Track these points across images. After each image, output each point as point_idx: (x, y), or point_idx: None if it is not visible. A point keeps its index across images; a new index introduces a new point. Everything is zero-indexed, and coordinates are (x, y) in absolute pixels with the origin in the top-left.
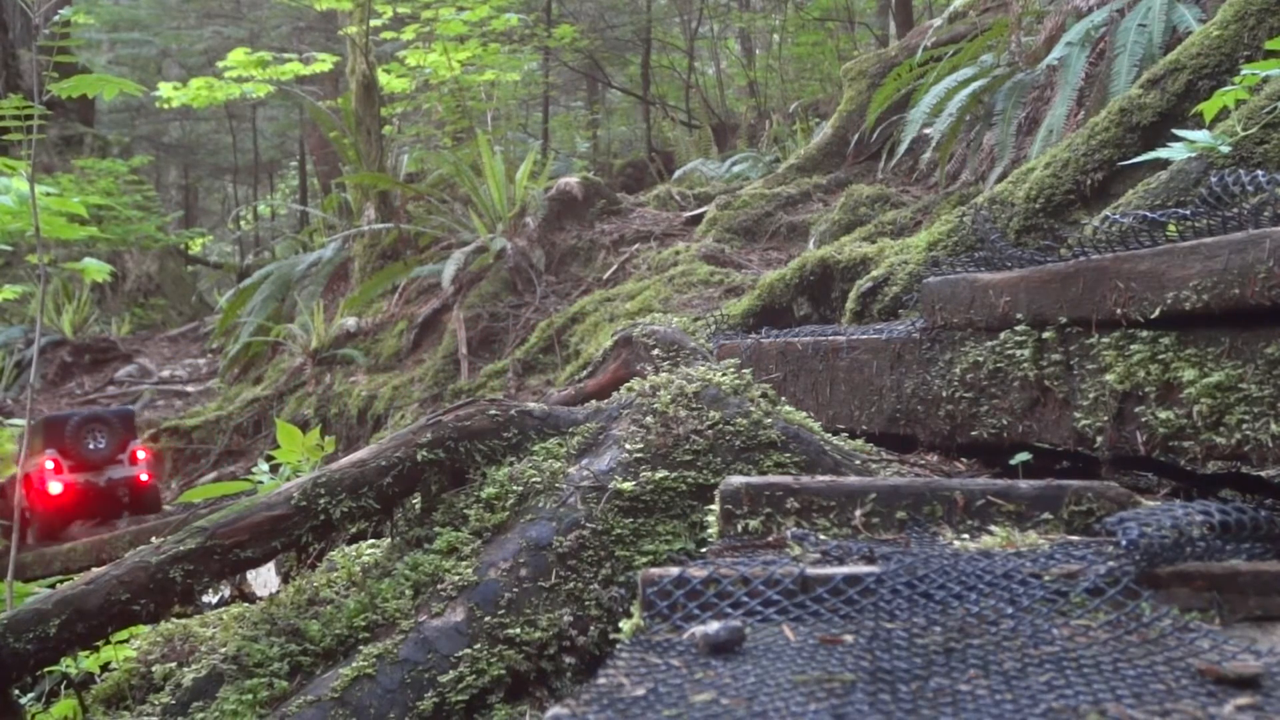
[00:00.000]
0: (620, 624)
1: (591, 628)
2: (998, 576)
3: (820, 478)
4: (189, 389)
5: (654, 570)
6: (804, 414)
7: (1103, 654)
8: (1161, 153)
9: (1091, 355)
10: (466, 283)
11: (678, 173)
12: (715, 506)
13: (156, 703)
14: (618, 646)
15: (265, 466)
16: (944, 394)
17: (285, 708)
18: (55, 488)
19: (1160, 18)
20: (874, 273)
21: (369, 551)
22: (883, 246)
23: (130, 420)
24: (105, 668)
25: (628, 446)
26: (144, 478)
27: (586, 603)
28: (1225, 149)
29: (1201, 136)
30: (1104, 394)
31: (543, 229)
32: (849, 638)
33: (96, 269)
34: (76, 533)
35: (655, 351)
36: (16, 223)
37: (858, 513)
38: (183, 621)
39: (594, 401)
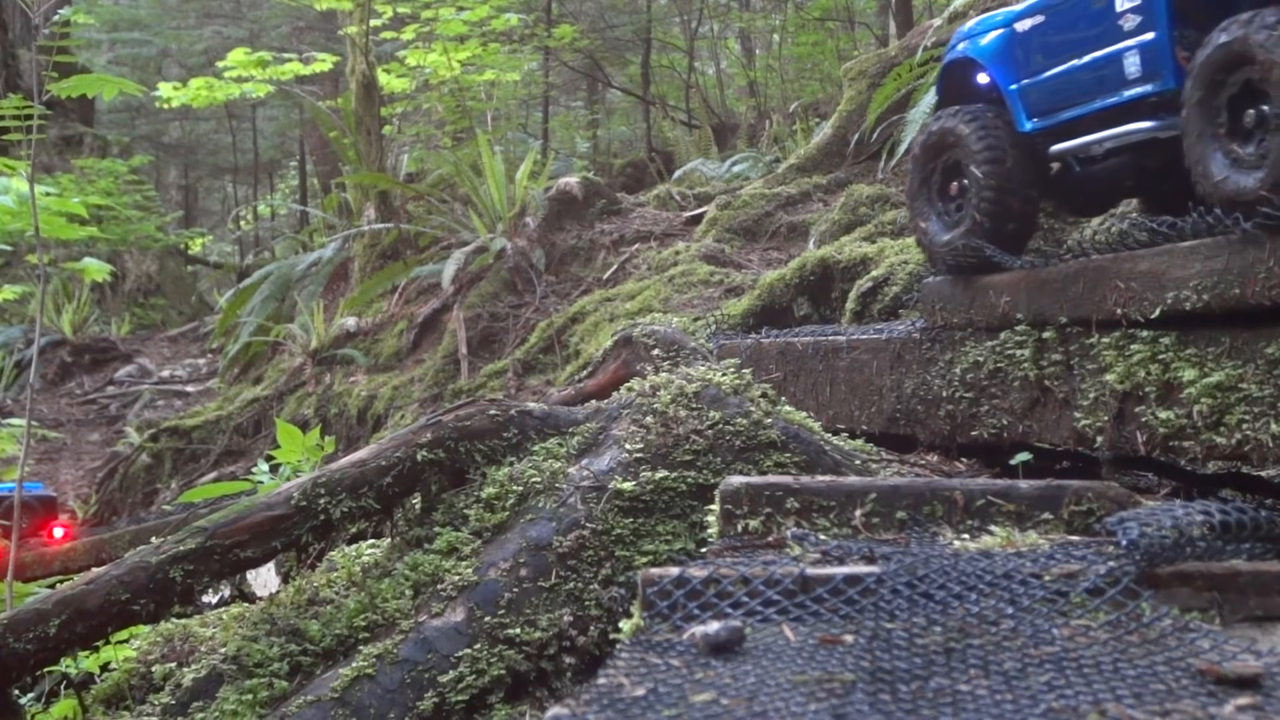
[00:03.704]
0: (620, 624)
1: (591, 628)
2: (998, 576)
3: (820, 478)
4: (189, 389)
5: (654, 570)
6: (804, 414)
7: (1103, 654)
8: None
9: (1091, 355)
10: (466, 283)
11: (678, 173)
12: (715, 506)
13: (156, 703)
14: (618, 646)
15: (265, 466)
16: (944, 394)
17: (285, 708)
18: None
19: None
20: (874, 273)
21: (369, 551)
22: (883, 246)
23: (52, 502)
24: (105, 668)
25: (628, 446)
26: None
27: (586, 603)
28: None
29: None
30: (1104, 394)
31: (543, 229)
32: (849, 638)
33: (96, 269)
34: None
35: (655, 351)
36: (16, 223)
37: (858, 513)
38: (183, 621)
39: (594, 401)
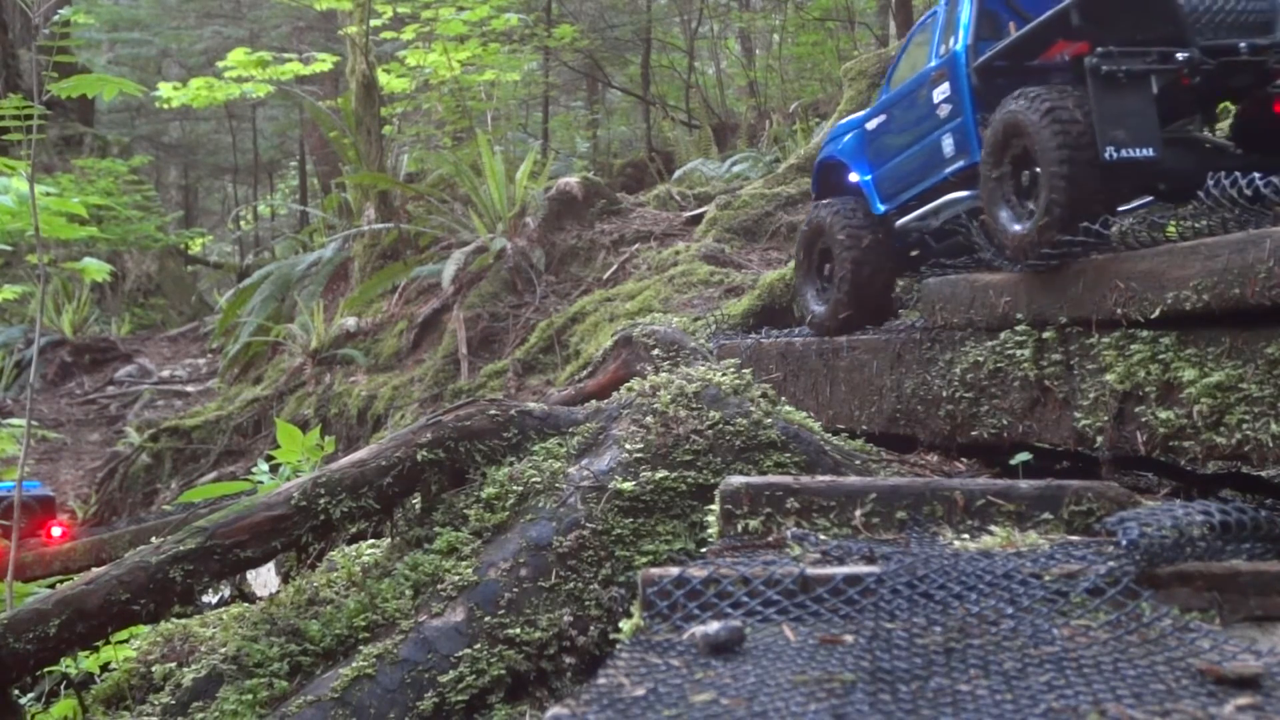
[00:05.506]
0: (620, 624)
1: (591, 628)
2: (998, 576)
3: (820, 478)
4: (189, 389)
5: (654, 570)
6: (804, 414)
7: (1103, 654)
8: None
9: (1091, 355)
10: (466, 283)
11: (678, 173)
12: (715, 506)
13: (156, 703)
14: (618, 646)
15: (265, 466)
16: (944, 394)
17: (285, 708)
18: None
19: None
20: None
21: (369, 551)
22: None
23: (50, 502)
24: (105, 668)
25: (628, 446)
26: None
27: (586, 603)
28: None
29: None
30: (1104, 394)
31: (543, 229)
32: (849, 638)
33: (96, 269)
34: None
35: (655, 351)
36: (16, 223)
37: (858, 513)
38: (183, 621)
39: (594, 401)
